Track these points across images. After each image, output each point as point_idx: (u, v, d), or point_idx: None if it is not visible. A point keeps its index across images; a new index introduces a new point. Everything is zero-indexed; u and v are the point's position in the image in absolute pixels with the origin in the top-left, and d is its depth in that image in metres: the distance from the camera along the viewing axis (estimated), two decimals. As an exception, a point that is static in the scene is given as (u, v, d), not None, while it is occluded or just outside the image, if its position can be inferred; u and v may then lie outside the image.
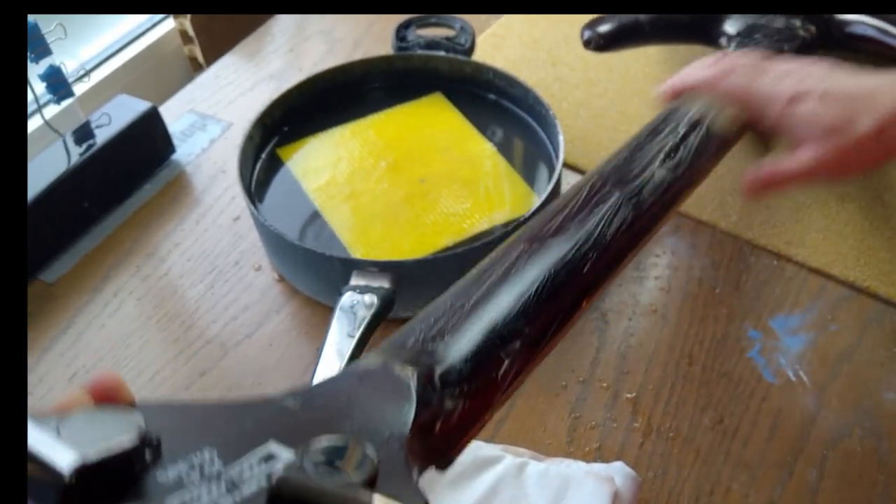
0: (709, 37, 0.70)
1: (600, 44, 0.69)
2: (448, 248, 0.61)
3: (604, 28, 0.70)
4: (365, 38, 0.93)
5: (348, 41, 0.92)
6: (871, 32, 0.69)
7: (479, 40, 0.87)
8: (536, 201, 0.61)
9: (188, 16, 1.02)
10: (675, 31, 0.72)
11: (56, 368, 0.60)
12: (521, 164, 0.69)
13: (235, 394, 0.58)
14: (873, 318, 0.61)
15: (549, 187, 0.61)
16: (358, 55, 0.89)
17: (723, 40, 0.68)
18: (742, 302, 0.62)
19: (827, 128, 0.48)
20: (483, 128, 0.73)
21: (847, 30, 0.70)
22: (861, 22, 0.69)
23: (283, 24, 0.96)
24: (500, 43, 0.88)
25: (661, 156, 0.46)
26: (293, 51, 0.92)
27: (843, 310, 0.61)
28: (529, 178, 0.68)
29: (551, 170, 0.68)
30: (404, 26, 0.76)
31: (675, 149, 0.47)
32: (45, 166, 0.67)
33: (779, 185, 0.51)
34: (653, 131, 0.48)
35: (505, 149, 0.71)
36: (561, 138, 0.65)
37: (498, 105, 0.75)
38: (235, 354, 0.61)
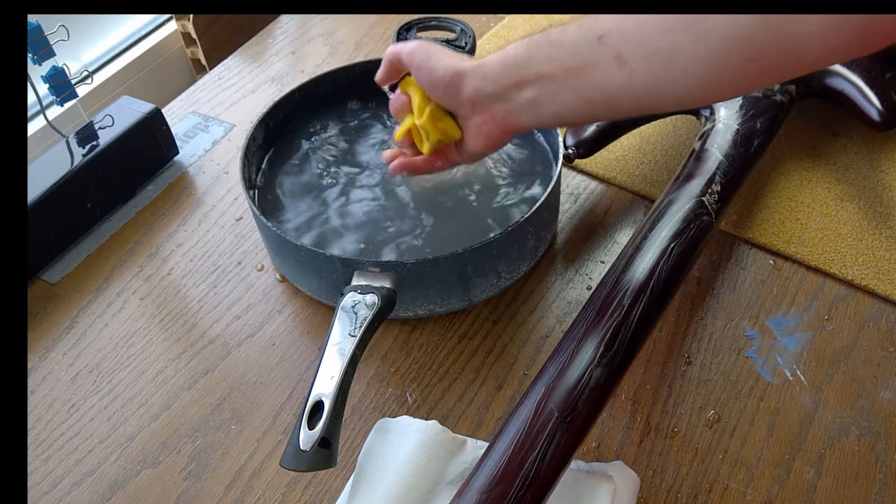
0: (688, 111, 0.71)
1: (581, 153, 0.68)
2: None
3: (584, 136, 0.68)
4: (366, 40, 0.93)
5: (349, 43, 0.93)
6: (846, 88, 0.69)
7: (480, 42, 0.88)
8: (536, 202, 0.61)
9: (190, 18, 1.02)
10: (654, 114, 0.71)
11: (59, 368, 0.61)
12: (521, 166, 0.70)
13: (238, 393, 0.59)
14: (870, 318, 0.61)
15: (549, 188, 0.62)
16: (359, 57, 0.90)
17: (705, 111, 0.69)
18: (740, 301, 0.63)
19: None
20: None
21: (825, 81, 0.70)
22: (839, 75, 0.69)
23: (285, 27, 0.96)
24: (502, 44, 0.88)
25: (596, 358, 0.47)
26: (295, 53, 0.92)
27: (839, 309, 0.62)
28: (529, 179, 0.68)
29: (551, 170, 0.68)
30: (405, 29, 0.77)
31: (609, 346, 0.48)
32: (48, 167, 0.68)
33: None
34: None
35: (504, 150, 0.71)
36: (560, 139, 0.66)
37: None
38: (238, 354, 0.61)
